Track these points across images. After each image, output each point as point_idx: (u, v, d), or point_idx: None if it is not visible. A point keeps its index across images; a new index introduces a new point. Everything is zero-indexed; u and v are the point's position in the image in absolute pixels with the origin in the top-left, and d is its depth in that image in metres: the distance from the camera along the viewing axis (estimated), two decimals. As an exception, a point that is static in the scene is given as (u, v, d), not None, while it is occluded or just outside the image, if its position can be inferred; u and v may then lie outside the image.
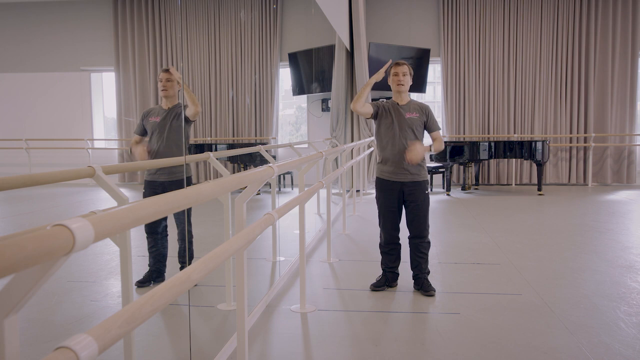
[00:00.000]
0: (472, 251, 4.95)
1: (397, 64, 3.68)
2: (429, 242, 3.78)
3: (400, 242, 3.85)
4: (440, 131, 3.79)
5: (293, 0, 10.28)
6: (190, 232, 3.81)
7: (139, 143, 3.74)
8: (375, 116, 3.74)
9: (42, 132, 7.68)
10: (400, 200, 3.73)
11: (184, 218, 3.69)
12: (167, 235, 3.81)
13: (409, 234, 3.77)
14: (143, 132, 3.76)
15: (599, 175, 10.38)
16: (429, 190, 3.77)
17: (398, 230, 3.82)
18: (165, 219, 3.75)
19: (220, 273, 3.61)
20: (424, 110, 3.71)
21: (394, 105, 3.72)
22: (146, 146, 3.67)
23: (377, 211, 3.88)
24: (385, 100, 3.84)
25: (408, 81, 3.68)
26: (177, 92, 3.72)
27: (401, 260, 3.90)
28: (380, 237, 3.88)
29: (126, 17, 8.93)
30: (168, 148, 3.66)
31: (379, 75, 3.67)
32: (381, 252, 3.89)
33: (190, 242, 3.81)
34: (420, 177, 3.71)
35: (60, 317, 3.26)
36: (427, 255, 3.77)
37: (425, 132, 3.78)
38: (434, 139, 3.74)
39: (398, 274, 3.88)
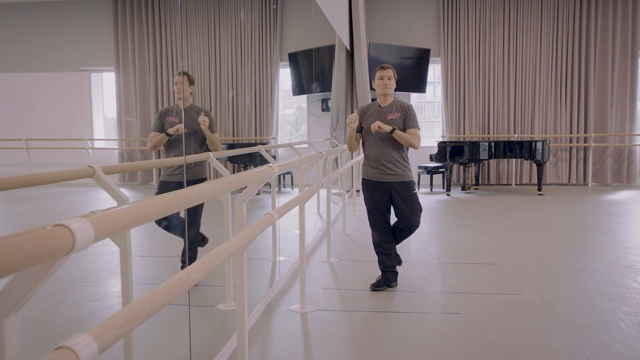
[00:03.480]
0: (472, 251, 4.95)
1: (383, 68, 3.74)
2: (417, 226, 3.80)
3: (393, 239, 3.86)
4: (418, 130, 3.76)
5: (293, 0, 10.28)
6: (196, 233, 3.81)
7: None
8: (360, 129, 3.82)
9: (42, 132, 7.67)
10: (389, 200, 3.76)
11: (191, 218, 3.71)
12: (183, 229, 3.82)
13: (400, 225, 3.80)
14: (161, 130, 3.79)
15: (599, 175, 10.38)
16: (416, 190, 3.81)
17: (390, 229, 3.84)
18: (178, 214, 3.77)
19: (220, 273, 3.61)
20: (405, 110, 3.74)
21: (377, 107, 3.78)
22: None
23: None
24: (368, 103, 3.90)
25: (393, 85, 3.75)
26: (189, 94, 3.80)
27: (401, 260, 3.91)
28: (373, 237, 3.90)
29: (126, 17, 8.93)
30: (179, 149, 3.69)
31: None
32: (377, 253, 3.89)
33: (193, 243, 3.81)
34: (407, 177, 3.75)
35: (60, 317, 3.26)
36: (409, 234, 3.84)
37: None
38: (408, 133, 3.70)
39: (397, 273, 3.89)
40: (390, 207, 3.81)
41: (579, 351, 2.71)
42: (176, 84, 3.70)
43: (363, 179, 3.86)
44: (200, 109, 3.83)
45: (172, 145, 3.77)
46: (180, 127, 3.68)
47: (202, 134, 3.77)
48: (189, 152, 3.74)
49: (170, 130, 3.68)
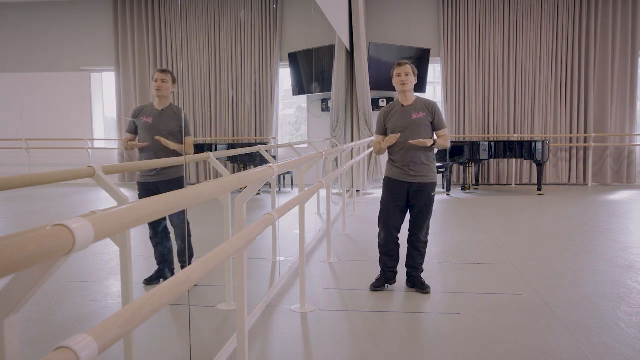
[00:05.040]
0: (472, 251, 4.95)
1: (400, 65, 3.66)
2: (425, 242, 3.78)
3: (399, 242, 3.85)
4: (447, 129, 3.77)
5: (293, 0, 10.28)
6: (188, 231, 3.81)
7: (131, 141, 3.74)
8: (385, 132, 3.76)
9: (42, 132, 7.67)
10: (406, 201, 3.72)
11: (183, 218, 3.69)
12: (167, 234, 3.81)
13: (409, 231, 3.78)
14: (134, 131, 3.73)
15: (599, 175, 10.38)
16: (435, 192, 3.76)
17: (399, 230, 3.81)
18: (164, 219, 3.75)
19: (220, 273, 3.61)
20: (431, 109, 3.67)
21: (400, 107, 3.70)
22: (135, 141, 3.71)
23: (378, 210, 3.87)
24: (388, 101, 3.85)
25: (412, 81, 3.65)
26: (170, 93, 3.72)
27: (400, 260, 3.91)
28: (380, 236, 3.86)
29: (126, 17, 8.93)
30: (156, 150, 3.64)
31: (391, 140, 3.63)
32: (381, 253, 3.87)
33: (189, 241, 3.80)
34: (429, 178, 3.68)
35: (60, 317, 3.26)
36: (423, 253, 3.78)
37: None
38: (439, 137, 3.70)
39: (397, 273, 3.89)
40: (406, 208, 3.77)
41: (579, 351, 2.71)
42: (155, 81, 3.62)
43: (386, 177, 3.80)
44: (179, 110, 3.78)
45: (144, 147, 3.69)
46: (136, 144, 3.63)
47: (179, 135, 3.69)
48: (167, 154, 3.67)
49: (128, 145, 3.64)
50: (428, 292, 3.69)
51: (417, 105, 3.68)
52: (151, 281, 3.72)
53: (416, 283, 3.76)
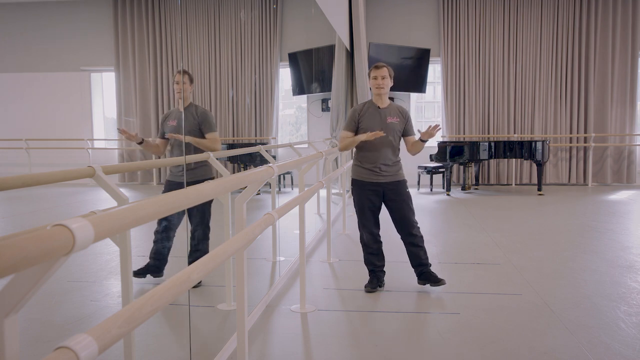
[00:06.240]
0: (472, 251, 4.95)
1: (377, 67, 3.70)
2: (421, 237, 3.77)
3: (381, 239, 3.85)
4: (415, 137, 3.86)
5: (293, 0, 10.28)
6: (195, 233, 3.81)
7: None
8: (357, 130, 3.76)
9: (42, 132, 7.67)
10: (381, 201, 3.75)
11: (198, 218, 3.71)
12: (168, 235, 3.80)
13: (400, 234, 3.77)
14: (163, 136, 3.83)
15: (599, 175, 10.39)
16: (408, 188, 3.81)
17: (379, 227, 3.83)
18: (165, 218, 3.76)
19: (220, 273, 3.61)
20: (404, 115, 3.77)
21: (375, 109, 3.73)
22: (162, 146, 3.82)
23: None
24: (364, 103, 3.87)
25: (388, 83, 3.70)
26: (189, 93, 3.79)
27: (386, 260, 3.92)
28: (363, 238, 3.84)
29: (126, 17, 8.93)
30: (182, 150, 3.72)
31: (369, 137, 3.61)
32: (366, 253, 3.85)
33: (201, 243, 3.80)
34: (400, 176, 3.75)
35: (60, 317, 3.26)
36: (424, 247, 3.77)
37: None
38: (409, 142, 3.78)
39: (385, 272, 3.89)
40: (381, 208, 3.79)
41: (579, 351, 2.71)
42: (177, 83, 3.71)
43: (355, 180, 3.80)
44: (199, 108, 3.84)
45: (174, 146, 3.79)
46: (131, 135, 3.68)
47: (200, 133, 3.76)
48: (189, 152, 3.74)
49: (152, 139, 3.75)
50: (443, 283, 3.68)
51: (391, 110, 3.74)
52: (137, 274, 3.68)
53: (429, 277, 3.72)
